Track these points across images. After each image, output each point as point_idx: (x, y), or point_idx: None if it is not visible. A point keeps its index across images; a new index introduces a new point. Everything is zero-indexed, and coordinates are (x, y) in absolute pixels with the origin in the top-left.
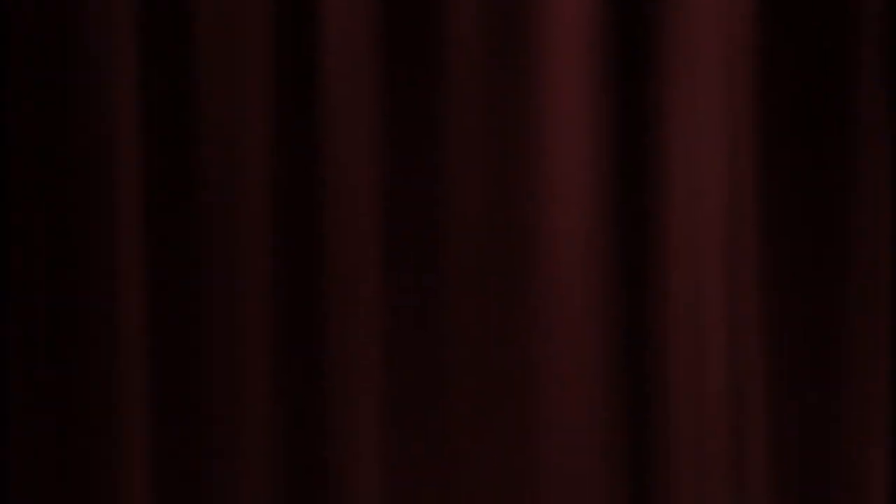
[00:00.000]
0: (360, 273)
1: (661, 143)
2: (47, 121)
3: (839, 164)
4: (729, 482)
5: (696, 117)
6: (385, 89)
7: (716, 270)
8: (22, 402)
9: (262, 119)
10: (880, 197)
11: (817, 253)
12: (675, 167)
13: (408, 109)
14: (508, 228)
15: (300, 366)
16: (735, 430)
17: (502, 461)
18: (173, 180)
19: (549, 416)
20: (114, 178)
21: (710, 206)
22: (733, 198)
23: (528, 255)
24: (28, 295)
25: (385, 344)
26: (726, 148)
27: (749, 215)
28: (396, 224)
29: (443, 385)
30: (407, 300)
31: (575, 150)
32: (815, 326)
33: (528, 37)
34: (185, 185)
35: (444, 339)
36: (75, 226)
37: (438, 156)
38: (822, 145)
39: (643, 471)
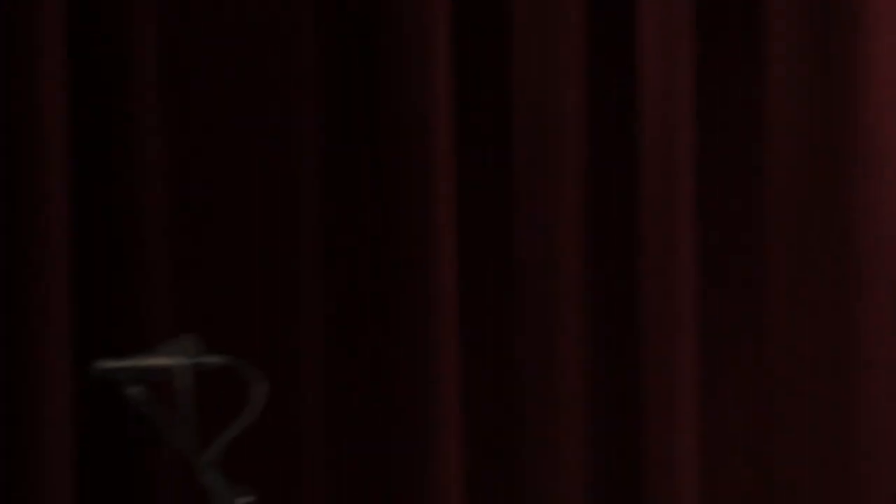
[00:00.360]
0: (676, 269)
1: None
2: (364, 106)
3: None
4: None
5: None
6: (703, 81)
7: None
8: (342, 401)
9: (578, 114)
10: None
11: None
12: None
13: (726, 99)
14: (834, 214)
15: (614, 352)
16: None
17: (823, 433)
18: (486, 170)
19: (874, 403)
20: (429, 168)
21: None
22: None
23: (857, 240)
24: (348, 294)
25: (703, 331)
26: None
27: None
28: (713, 211)
29: (762, 363)
30: (728, 293)
31: None
32: None
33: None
34: (499, 176)
35: (764, 325)
36: (392, 218)
37: (757, 140)
38: None
39: None
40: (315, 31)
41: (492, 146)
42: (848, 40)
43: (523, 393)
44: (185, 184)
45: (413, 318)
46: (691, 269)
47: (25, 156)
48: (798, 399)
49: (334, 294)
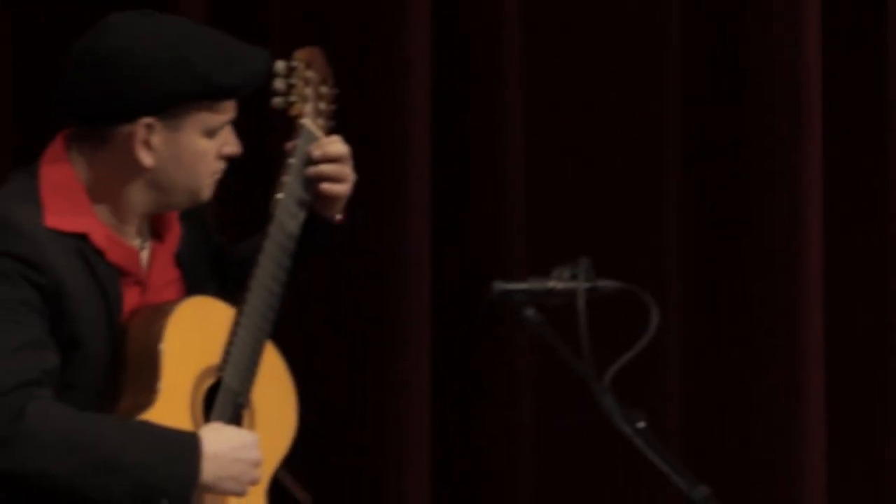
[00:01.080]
0: None
1: None
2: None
3: None
4: None
5: None
6: None
7: None
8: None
9: None
10: None
11: None
12: None
13: None
14: None
15: None
16: None
17: None
18: (856, 152)
19: None
20: (798, 151)
21: None
22: None
23: None
24: (711, 281)
25: None
26: None
27: None
28: None
29: None
30: None
31: None
32: None
33: None
34: (869, 160)
35: None
36: (759, 198)
37: None
38: None
39: None
40: (680, 18)
41: (863, 128)
42: None
43: (886, 386)
44: (543, 170)
45: (777, 302)
46: None
47: (390, 108)
48: None
49: (696, 278)
